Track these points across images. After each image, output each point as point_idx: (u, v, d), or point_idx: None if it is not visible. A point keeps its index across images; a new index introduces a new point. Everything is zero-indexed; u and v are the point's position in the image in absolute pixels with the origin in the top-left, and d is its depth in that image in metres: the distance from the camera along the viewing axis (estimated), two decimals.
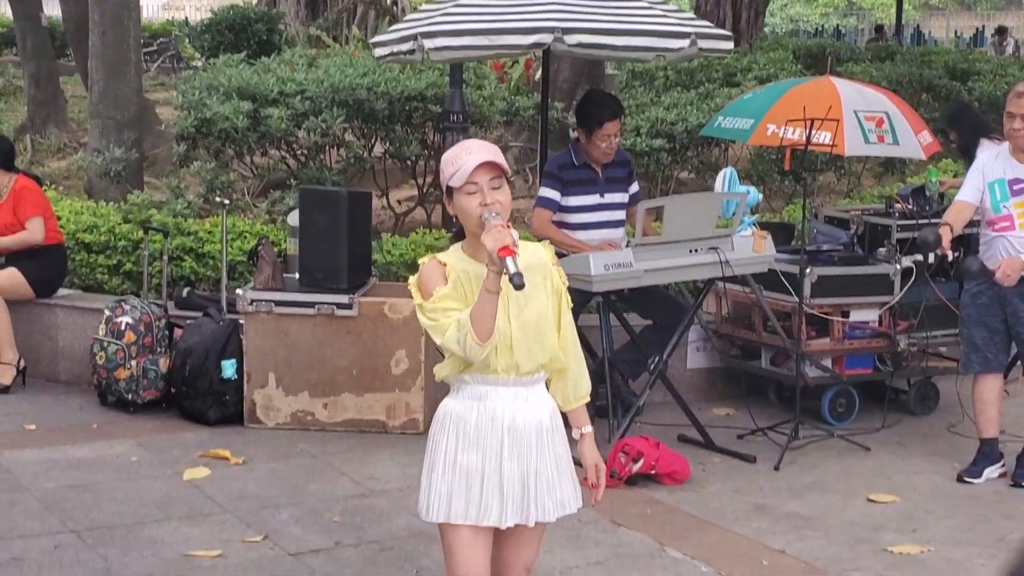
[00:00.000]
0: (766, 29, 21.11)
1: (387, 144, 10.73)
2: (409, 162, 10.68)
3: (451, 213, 4.04)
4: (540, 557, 5.94)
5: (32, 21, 17.05)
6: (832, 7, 61.74)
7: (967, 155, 9.22)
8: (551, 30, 7.00)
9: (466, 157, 3.96)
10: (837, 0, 61.51)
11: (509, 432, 4.03)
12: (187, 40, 24.96)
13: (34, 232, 8.75)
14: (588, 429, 4.28)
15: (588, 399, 4.28)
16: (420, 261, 4.10)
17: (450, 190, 3.99)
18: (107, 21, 10.85)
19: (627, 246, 7.34)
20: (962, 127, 9.22)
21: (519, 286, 3.78)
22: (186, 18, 34.66)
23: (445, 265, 4.01)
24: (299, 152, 10.63)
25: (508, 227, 3.85)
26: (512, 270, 3.77)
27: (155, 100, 16.02)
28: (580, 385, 4.24)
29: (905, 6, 40.11)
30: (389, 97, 10.35)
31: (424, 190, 11.01)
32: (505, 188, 3.98)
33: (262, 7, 22.18)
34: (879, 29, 33.91)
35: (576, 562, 5.98)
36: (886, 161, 12.30)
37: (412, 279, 4.08)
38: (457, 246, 4.09)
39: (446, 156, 4.05)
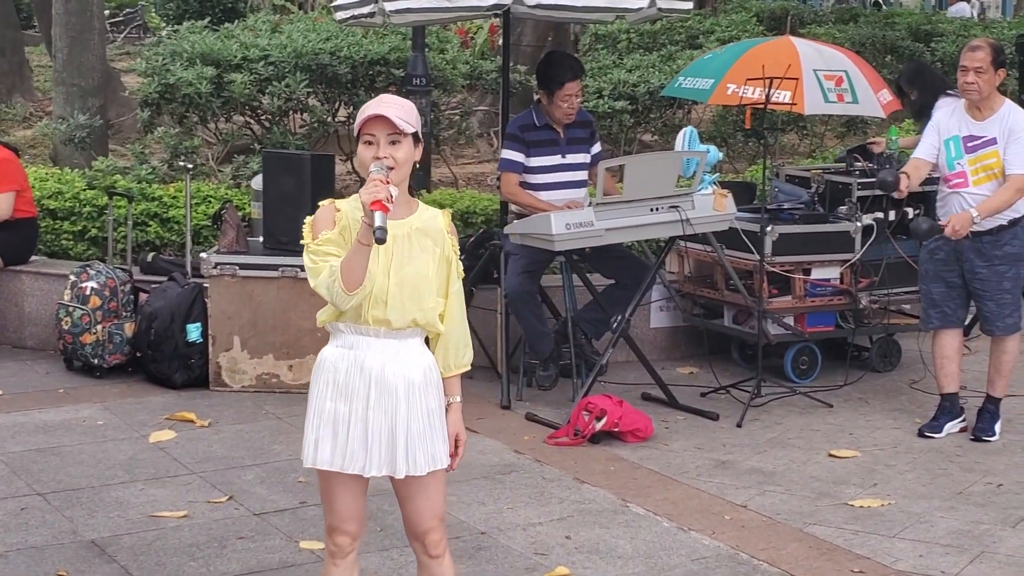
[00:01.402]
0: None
1: (350, 108, 10.73)
2: None
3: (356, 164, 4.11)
4: (503, 514, 6.05)
5: None
6: None
7: (925, 115, 9.29)
8: None
9: (371, 109, 4.02)
10: None
11: (376, 383, 4.08)
12: (153, 10, 24.79)
13: (2, 208, 8.72)
14: (457, 399, 4.29)
15: (467, 368, 4.30)
16: (319, 203, 4.15)
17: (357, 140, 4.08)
18: None
19: (589, 206, 7.38)
20: (922, 86, 9.27)
21: (380, 240, 3.82)
22: None
23: (339, 211, 4.07)
24: (263, 117, 10.62)
25: (387, 183, 3.90)
26: (377, 223, 3.82)
27: (120, 69, 15.95)
28: (461, 354, 4.26)
29: None
30: (352, 61, 10.34)
31: None
32: (404, 146, 4.02)
33: None
34: None
35: (539, 519, 6.04)
36: (848, 121, 12.37)
37: (307, 219, 4.13)
38: (357, 194, 4.13)
39: (363, 106, 4.12)
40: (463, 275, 4.24)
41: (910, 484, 6.57)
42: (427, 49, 10.54)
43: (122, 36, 23.88)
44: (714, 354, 8.49)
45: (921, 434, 7.32)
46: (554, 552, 5.65)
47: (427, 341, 4.23)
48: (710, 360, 8.34)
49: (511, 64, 9.19)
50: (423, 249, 4.07)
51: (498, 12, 7.45)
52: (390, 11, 7.20)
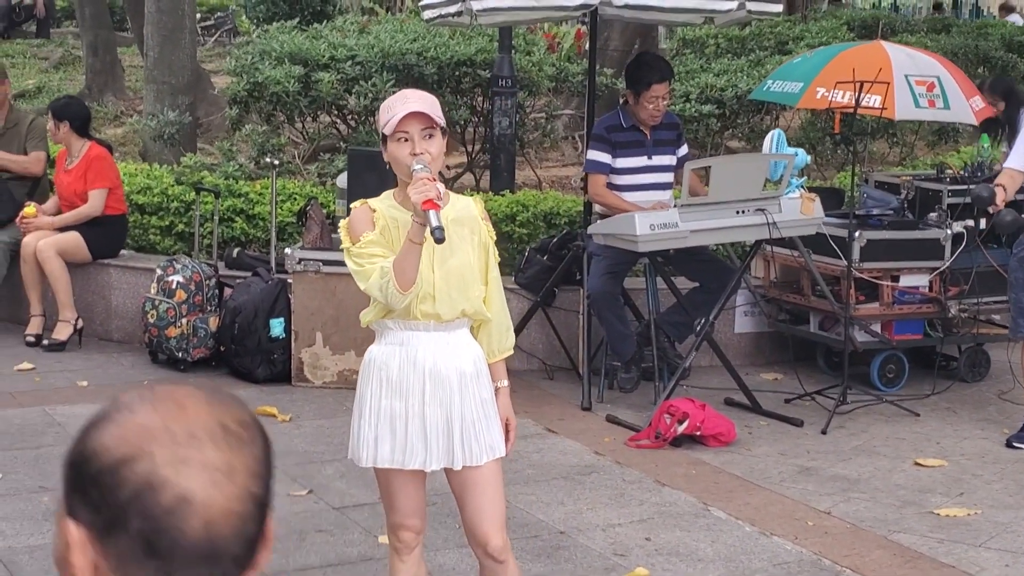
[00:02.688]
0: (822, 7, 21.03)
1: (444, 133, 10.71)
2: (458, 127, 10.68)
3: (385, 160, 4.09)
4: (582, 514, 6.01)
5: None
6: None
7: (1012, 126, 9.13)
8: None
9: (400, 106, 4.00)
10: None
11: (431, 377, 4.07)
12: (244, 14, 25.02)
13: (94, 205, 8.84)
14: (504, 383, 4.30)
15: (511, 353, 4.32)
16: (352, 206, 4.15)
17: (385, 138, 4.04)
18: None
19: (674, 207, 7.32)
20: (1010, 97, 9.12)
21: (439, 240, 3.83)
22: None
23: (375, 211, 4.06)
24: (349, 117, 10.66)
25: (434, 180, 3.90)
26: (434, 223, 3.82)
27: (211, 70, 16.11)
28: (504, 338, 4.28)
29: None
30: (439, 62, 10.35)
31: (473, 156, 11.01)
32: (437, 139, 4.02)
33: None
34: (938, 7, 33.51)
35: (619, 520, 5.99)
36: (939, 129, 12.19)
37: (342, 223, 4.13)
38: (388, 193, 4.14)
39: (384, 104, 4.11)
40: (499, 259, 4.26)
41: (997, 494, 6.44)
42: (513, 51, 10.52)
43: (213, 40, 24.11)
44: (799, 361, 8.37)
45: (1009, 444, 7.19)
46: (633, 553, 5.61)
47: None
48: (795, 367, 8.23)
49: (597, 67, 9.15)
50: (462, 239, 4.07)
51: (585, 12, 7.39)
52: (477, 10, 7.19)
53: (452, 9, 7.36)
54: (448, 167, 11.51)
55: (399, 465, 4.10)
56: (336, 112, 10.61)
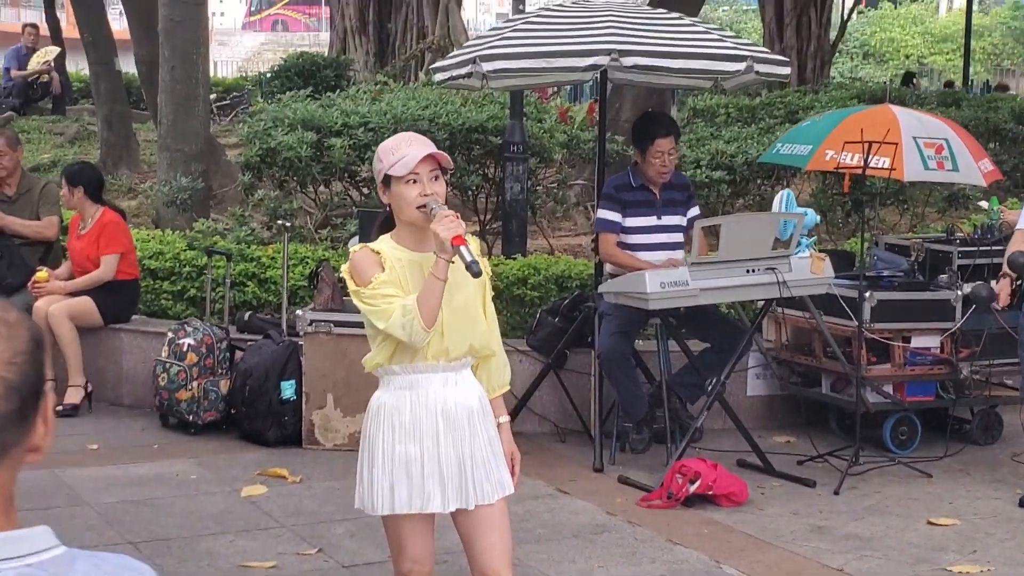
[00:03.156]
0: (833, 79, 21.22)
1: (448, 175, 10.77)
2: (470, 193, 10.73)
3: (385, 202, 4.15)
4: (593, 572, 5.97)
5: (106, 65, 17.36)
6: (902, 69, 61.31)
7: None
8: (608, 52, 7.02)
9: (407, 148, 4.08)
10: (908, 63, 61.17)
11: (443, 417, 4.10)
12: (259, 95, 25.25)
13: (106, 270, 8.88)
14: (505, 419, 4.35)
15: (507, 388, 4.37)
16: (351, 250, 4.19)
17: (387, 179, 4.09)
18: (176, 56, 11.03)
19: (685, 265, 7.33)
20: None
21: (477, 273, 3.95)
22: (260, 73, 35.09)
23: (379, 253, 4.09)
24: (361, 184, 10.71)
25: (457, 216, 3.97)
26: (468, 258, 3.93)
27: (225, 144, 16.22)
28: (503, 374, 4.34)
29: (977, 68, 39.90)
30: (451, 128, 10.41)
31: (485, 223, 11.05)
32: (442, 181, 4.11)
33: (332, 54, 22.39)
34: (949, 84, 33.64)
35: None
36: (949, 195, 12.21)
37: (344, 267, 4.17)
38: (385, 236, 4.18)
39: (385, 145, 4.17)
40: (492, 294, 4.33)
41: (1010, 552, 6.40)
42: (525, 118, 10.58)
43: (228, 119, 24.31)
44: (811, 424, 8.34)
45: (1022, 504, 7.14)
46: None
47: None
48: (807, 429, 8.19)
49: (609, 135, 9.19)
50: (464, 276, 4.09)
51: (596, 71, 7.45)
52: (488, 71, 7.24)
53: (463, 71, 7.42)
54: None
55: (418, 510, 4.10)
56: (348, 179, 10.66)
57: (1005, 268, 7.06)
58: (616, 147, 11.09)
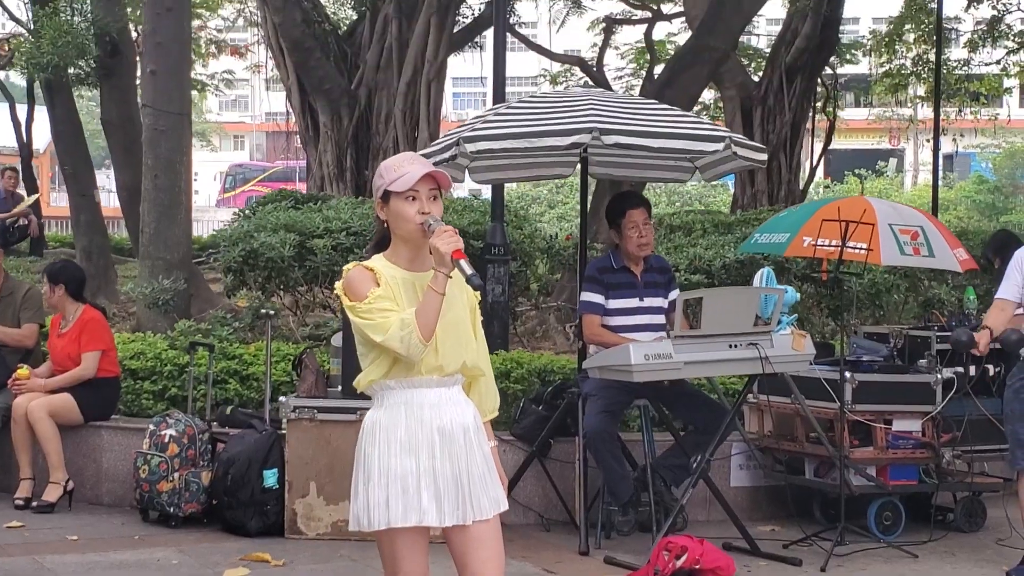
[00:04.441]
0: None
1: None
2: None
3: (382, 218, 4.24)
4: None
5: (86, 197, 17.50)
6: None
7: None
8: (589, 131, 7.16)
9: (409, 166, 4.19)
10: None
11: (439, 432, 4.15)
12: None
13: (87, 367, 8.86)
14: (493, 443, 4.39)
15: (496, 414, 4.43)
16: (345, 268, 4.26)
17: (387, 195, 4.18)
18: (160, 165, 11.14)
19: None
20: (1006, 254, 9.29)
21: (478, 286, 4.09)
22: (238, 210, 35.31)
23: (373, 270, 4.16)
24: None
25: (456, 232, 4.09)
26: (468, 272, 4.05)
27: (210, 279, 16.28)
28: (494, 397, 4.42)
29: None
30: None
31: None
32: (440, 201, 4.22)
33: (311, 191, 22.62)
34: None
35: None
36: (925, 303, 12.34)
37: (338, 284, 4.25)
38: (378, 256, 4.26)
39: (386, 163, 4.28)
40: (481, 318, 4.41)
41: None
42: (507, 224, 10.70)
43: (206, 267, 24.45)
44: (796, 515, 8.29)
45: None
46: None
47: None
48: (792, 517, 8.17)
49: (588, 242, 9.26)
50: (454, 296, 4.17)
51: (577, 150, 7.58)
52: (471, 151, 7.36)
53: (447, 155, 7.52)
54: None
55: (415, 523, 4.10)
56: (328, 284, 10.68)
57: (986, 322, 7.10)
58: (596, 253, 11.19)
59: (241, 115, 65.92)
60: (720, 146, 7.44)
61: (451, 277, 4.08)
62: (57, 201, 41.44)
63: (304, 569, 7.24)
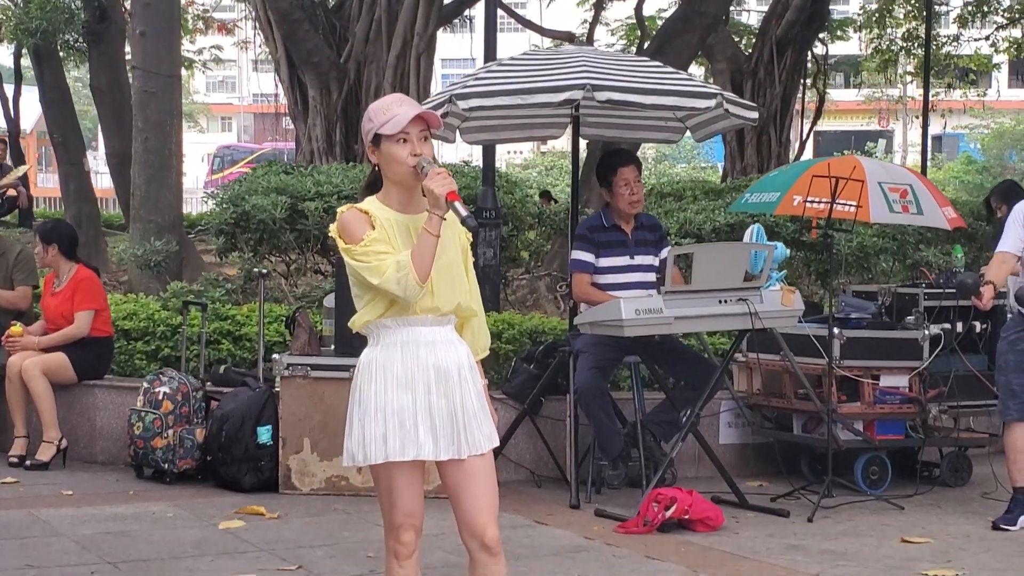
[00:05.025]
0: None
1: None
2: None
3: (373, 161, 4.27)
4: None
5: (75, 166, 17.55)
6: None
7: None
8: (581, 87, 7.21)
9: (398, 108, 4.20)
10: None
11: (435, 370, 4.21)
12: None
13: (80, 326, 8.91)
14: (485, 382, 4.45)
15: (487, 353, 4.49)
16: (339, 210, 4.29)
17: (377, 138, 4.20)
18: (150, 127, 11.18)
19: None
20: (1011, 202, 9.35)
21: (474, 227, 4.14)
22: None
23: (367, 213, 4.20)
24: (333, 254, 10.81)
25: (449, 174, 4.11)
26: (463, 213, 4.10)
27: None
28: (485, 336, 4.48)
29: None
30: None
31: None
32: (430, 143, 4.25)
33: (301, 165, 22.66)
34: None
35: None
36: (912, 264, 12.42)
37: (332, 227, 4.27)
38: (371, 198, 4.29)
39: (375, 105, 4.28)
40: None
41: (984, 560, 6.50)
42: (498, 189, 10.74)
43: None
44: (784, 471, 8.38)
45: (995, 526, 7.22)
46: None
47: None
48: (780, 476, 8.26)
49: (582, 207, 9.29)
50: (447, 238, 4.21)
51: (571, 105, 7.62)
52: (464, 108, 7.41)
53: (439, 113, 7.54)
54: None
55: (412, 456, 4.16)
56: (320, 247, 10.73)
57: (988, 276, 7.14)
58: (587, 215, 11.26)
59: (229, 96, 65.83)
60: (712, 102, 7.50)
61: (445, 219, 4.12)
62: (45, 182, 41.41)
63: (298, 522, 7.30)
